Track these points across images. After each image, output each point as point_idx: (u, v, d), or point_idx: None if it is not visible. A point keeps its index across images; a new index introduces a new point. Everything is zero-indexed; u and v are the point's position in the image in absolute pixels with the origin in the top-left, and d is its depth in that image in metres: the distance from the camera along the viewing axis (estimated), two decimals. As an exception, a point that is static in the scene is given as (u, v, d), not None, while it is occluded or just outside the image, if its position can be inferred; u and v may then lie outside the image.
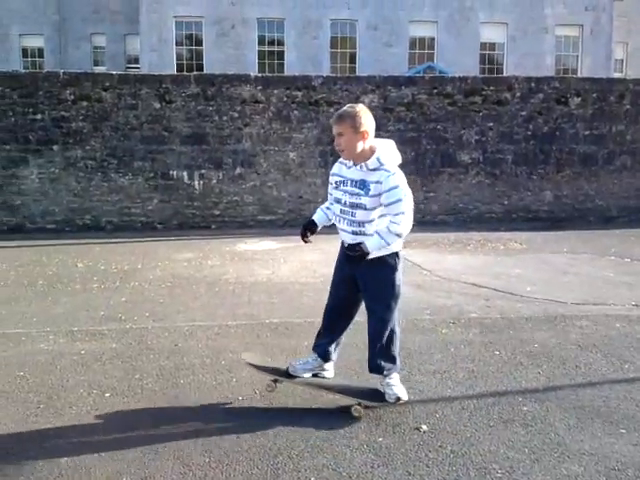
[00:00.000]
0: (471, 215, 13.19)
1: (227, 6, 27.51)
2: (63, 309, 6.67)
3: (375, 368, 4.07)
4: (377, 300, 4.04)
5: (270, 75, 15.33)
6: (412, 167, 13.01)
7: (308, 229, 4.30)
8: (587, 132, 13.41)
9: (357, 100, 12.74)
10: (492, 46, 29.78)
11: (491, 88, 13.16)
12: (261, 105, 12.71)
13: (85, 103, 12.27)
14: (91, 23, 31.09)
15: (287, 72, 25.18)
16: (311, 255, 9.59)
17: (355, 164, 3.92)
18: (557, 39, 29.69)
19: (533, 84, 13.35)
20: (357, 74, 22.03)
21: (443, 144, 13.07)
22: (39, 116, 12.19)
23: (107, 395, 4.38)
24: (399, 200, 3.82)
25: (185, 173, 12.48)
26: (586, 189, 13.52)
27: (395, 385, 4.01)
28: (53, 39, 31.29)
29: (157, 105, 12.45)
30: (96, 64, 30.76)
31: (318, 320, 6.07)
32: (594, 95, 13.43)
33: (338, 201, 4.01)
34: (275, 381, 4.24)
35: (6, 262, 9.11)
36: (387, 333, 4.02)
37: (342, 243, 4.20)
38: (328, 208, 4.32)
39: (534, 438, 3.66)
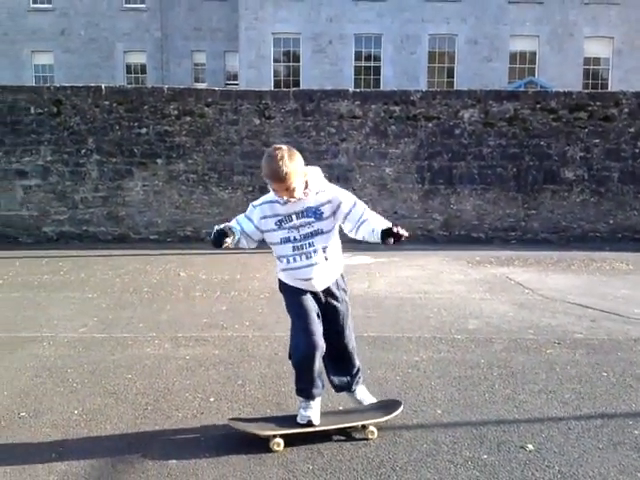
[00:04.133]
0: (574, 234, 12.83)
1: (325, 22, 27.89)
2: (167, 316, 6.87)
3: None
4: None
5: (368, 90, 15.42)
6: (513, 184, 12.83)
7: (226, 235, 3.68)
8: (699, 149, 12.83)
9: (456, 115, 12.66)
10: (596, 61, 29.02)
11: (597, 104, 12.80)
12: (358, 120, 12.80)
13: (188, 118, 12.68)
14: (192, 40, 32.16)
15: (383, 87, 25.25)
16: (407, 271, 9.55)
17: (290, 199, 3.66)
18: (667, 53, 28.64)
19: (642, 99, 12.90)
20: (456, 88, 21.84)
21: (546, 160, 12.78)
22: (144, 130, 12.68)
23: (211, 400, 4.47)
24: (356, 201, 3.76)
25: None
26: (697, 209, 12.92)
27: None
28: (155, 56, 32.52)
29: (257, 121, 12.73)
30: (196, 80, 31.77)
31: (417, 335, 6.10)
32: None
33: (287, 240, 3.73)
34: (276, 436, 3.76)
35: (112, 270, 9.47)
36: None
37: (296, 289, 3.84)
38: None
39: (648, 464, 3.49)
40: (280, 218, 3.71)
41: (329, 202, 3.70)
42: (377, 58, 28.57)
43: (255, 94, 13.02)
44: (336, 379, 4.03)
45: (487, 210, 12.91)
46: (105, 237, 12.71)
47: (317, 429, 3.79)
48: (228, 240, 3.67)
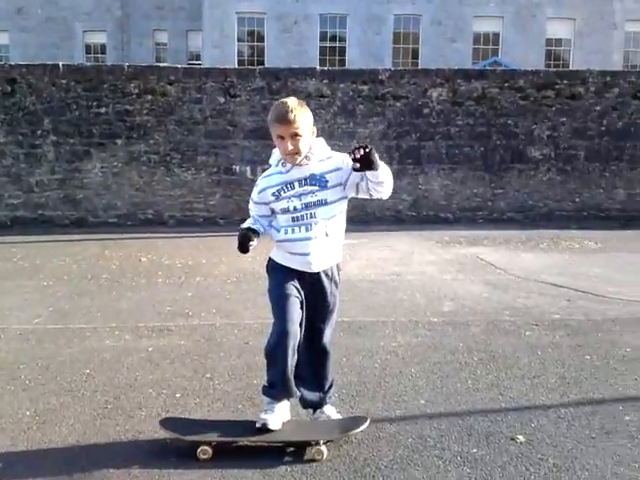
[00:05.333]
0: (541, 213, 12.72)
1: (290, 2, 27.43)
2: (128, 304, 6.52)
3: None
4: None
5: (336, 69, 15.12)
6: (480, 163, 12.66)
7: (249, 237, 3.42)
8: (665, 128, 12.79)
9: (425, 94, 12.43)
10: (558, 42, 29.07)
11: (564, 82, 12.66)
12: (326, 99, 12.47)
13: (150, 97, 12.22)
14: (154, 19, 31.43)
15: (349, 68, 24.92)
16: (377, 252, 9.33)
17: (293, 165, 3.37)
18: (626, 35, 28.77)
19: (608, 78, 12.81)
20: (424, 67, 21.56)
21: (513, 139, 12.61)
22: (103, 110, 12.19)
23: (177, 395, 4.16)
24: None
25: (248, 168, 12.31)
26: (662, 187, 12.90)
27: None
28: (116, 36, 31.73)
29: (222, 99, 12.33)
30: (158, 60, 31.03)
31: (392, 319, 5.86)
32: (673, 89, 12.79)
33: (286, 211, 3.40)
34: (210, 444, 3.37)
35: (69, 256, 9.06)
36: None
37: (285, 269, 3.46)
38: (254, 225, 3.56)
39: (644, 453, 3.30)
40: (279, 187, 3.40)
41: (337, 169, 3.38)
42: (342, 39, 28.22)
43: (220, 72, 12.59)
44: (306, 393, 3.57)
45: (455, 190, 12.71)
46: (62, 221, 12.21)
47: (257, 441, 3.38)
48: (254, 243, 3.42)
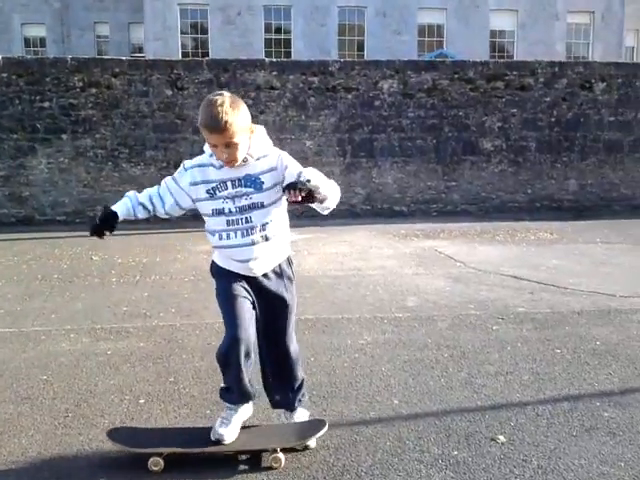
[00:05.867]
0: (493, 204, 12.80)
1: (233, -7, 27.03)
2: (83, 305, 6.27)
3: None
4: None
5: (286, 60, 14.92)
6: (433, 155, 12.66)
7: (106, 225, 3.26)
8: (612, 118, 13.01)
9: (376, 86, 12.35)
10: (502, 34, 29.39)
11: (514, 73, 12.75)
12: (276, 91, 12.30)
13: (94, 90, 11.88)
14: (94, 11, 30.68)
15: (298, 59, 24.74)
16: (335, 247, 9.23)
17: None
18: (568, 26, 29.23)
19: (557, 69, 12.94)
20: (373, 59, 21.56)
21: (465, 131, 12.65)
22: (47, 104, 11.80)
23: (141, 401, 3.98)
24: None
25: (198, 162, 12.04)
26: (611, 177, 13.12)
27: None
28: (55, 28, 30.85)
29: (169, 92, 12.05)
30: (100, 53, 30.30)
31: (357, 316, 5.76)
32: (619, 80, 13.01)
33: (220, 212, 3.12)
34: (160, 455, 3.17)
35: (17, 255, 8.72)
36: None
37: (229, 272, 3.24)
38: (141, 203, 3.35)
39: (626, 450, 3.26)
40: (213, 185, 3.08)
41: (272, 170, 3.05)
42: (287, 30, 27.95)
43: (166, 64, 12.29)
44: (274, 391, 3.43)
45: (408, 183, 12.69)
46: (8, 219, 11.77)
47: (210, 451, 3.19)
48: (108, 233, 3.22)
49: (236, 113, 2.89)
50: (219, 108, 2.86)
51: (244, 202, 3.08)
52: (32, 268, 7.98)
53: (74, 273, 7.65)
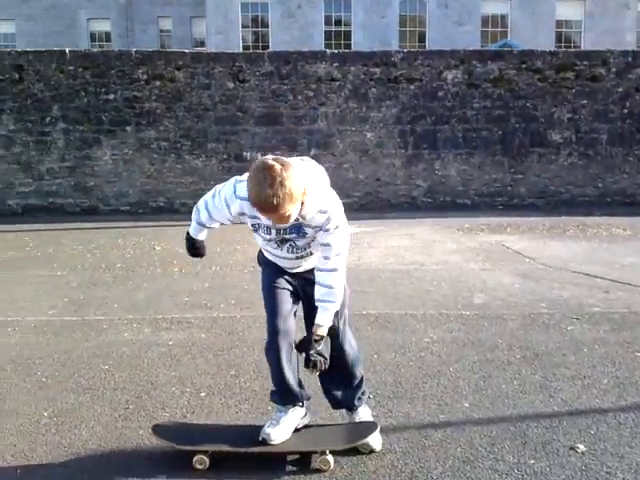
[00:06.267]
0: (562, 199, 12.39)
1: (294, -14, 26.96)
2: (145, 294, 6.26)
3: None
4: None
5: (346, 51, 14.75)
6: (498, 147, 12.34)
7: (195, 250, 3.63)
8: (688, 110, 12.42)
9: (439, 76, 12.07)
10: (568, 24, 28.52)
11: (584, 63, 12.30)
12: (337, 83, 12.15)
13: (158, 82, 11.94)
14: (158, 6, 30.98)
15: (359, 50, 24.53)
16: (396, 240, 9.04)
17: None
18: (639, 15, 28.20)
19: (630, 58, 12.43)
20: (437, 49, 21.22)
21: (533, 122, 12.27)
22: (112, 96, 11.93)
23: (202, 395, 3.89)
24: (338, 254, 2.99)
25: (259, 155, 11.96)
26: (687, 171, 12.54)
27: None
28: (120, 23, 31.29)
29: (231, 84, 12.02)
30: (163, 47, 30.56)
31: (421, 312, 5.56)
32: (697, 69, 12.41)
33: (263, 238, 3.10)
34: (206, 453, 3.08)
35: (82, 245, 8.80)
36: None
37: (274, 263, 3.23)
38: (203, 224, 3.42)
39: None
40: (258, 223, 2.98)
41: (317, 227, 2.93)
42: (347, 22, 27.71)
43: (228, 56, 12.28)
44: (332, 391, 3.31)
45: (473, 175, 12.39)
46: (73, 209, 11.96)
47: (256, 451, 3.07)
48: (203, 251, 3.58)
49: (288, 192, 2.65)
50: (269, 191, 2.61)
51: (287, 241, 3.04)
52: (96, 257, 8.04)
53: (137, 263, 7.67)
